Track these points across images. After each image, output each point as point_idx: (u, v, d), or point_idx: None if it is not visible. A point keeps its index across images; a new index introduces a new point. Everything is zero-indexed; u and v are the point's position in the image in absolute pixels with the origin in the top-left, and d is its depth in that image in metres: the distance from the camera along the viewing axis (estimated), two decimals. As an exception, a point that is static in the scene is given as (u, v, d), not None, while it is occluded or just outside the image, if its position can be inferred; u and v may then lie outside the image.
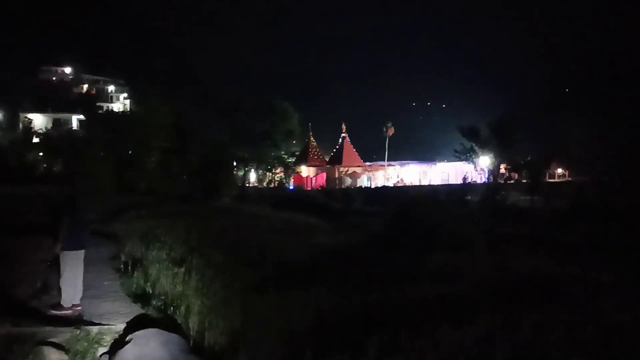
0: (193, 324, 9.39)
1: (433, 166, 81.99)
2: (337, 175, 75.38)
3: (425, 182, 74.01)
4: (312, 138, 79.05)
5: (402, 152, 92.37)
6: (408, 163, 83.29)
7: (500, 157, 58.17)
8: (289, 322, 7.51)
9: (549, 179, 67.29)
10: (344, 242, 16.12)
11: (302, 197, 46.94)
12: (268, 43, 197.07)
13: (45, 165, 50.71)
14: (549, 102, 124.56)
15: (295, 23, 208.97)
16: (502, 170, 59.01)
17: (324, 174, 76.12)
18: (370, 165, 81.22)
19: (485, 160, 60.11)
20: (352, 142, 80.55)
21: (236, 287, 9.50)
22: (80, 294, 10.68)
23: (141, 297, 11.65)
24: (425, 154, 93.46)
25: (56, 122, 65.96)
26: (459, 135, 61.50)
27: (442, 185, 64.96)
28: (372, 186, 70.55)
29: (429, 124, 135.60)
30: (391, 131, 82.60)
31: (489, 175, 59.32)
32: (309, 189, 68.78)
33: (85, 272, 11.08)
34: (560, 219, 32.23)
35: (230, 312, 8.88)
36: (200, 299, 9.74)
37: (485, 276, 10.79)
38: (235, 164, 55.80)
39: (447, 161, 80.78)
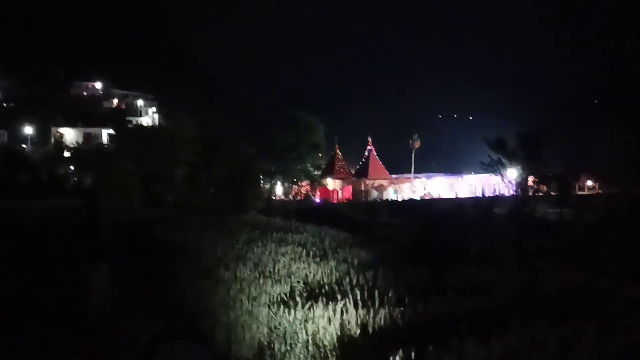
0: (220, 336, 9.46)
1: (460, 178, 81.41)
2: (363, 188, 75.28)
3: (452, 195, 73.44)
4: (338, 151, 79.15)
5: (429, 164, 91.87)
6: (434, 175, 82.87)
7: (528, 169, 57.50)
8: (315, 336, 7.54)
9: (578, 191, 66.25)
10: (372, 255, 16.04)
11: (329, 210, 46.88)
12: (295, 56, 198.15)
13: (75, 179, 51.62)
14: (578, 113, 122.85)
15: (322, 37, 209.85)
16: (530, 183, 58.27)
17: (350, 187, 76.07)
18: (396, 178, 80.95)
19: (512, 172, 59.47)
20: (378, 154, 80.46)
21: (263, 300, 9.55)
22: (107, 306, 10.84)
23: (169, 310, 11.76)
24: (452, 167, 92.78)
25: (87, 137, 67.25)
26: (486, 147, 61.03)
27: (469, 197, 64.38)
28: (399, 199, 70.25)
29: (456, 136, 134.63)
30: (418, 143, 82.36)
31: (516, 188, 58.62)
32: (335, 202, 68.79)
33: (113, 284, 11.26)
34: (591, 232, 31.64)
35: (256, 325, 8.94)
36: (226, 311, 9.82)
37: (513, 290, 10.67)
38: (261, 177, 56.13)
39: (474, 173, 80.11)
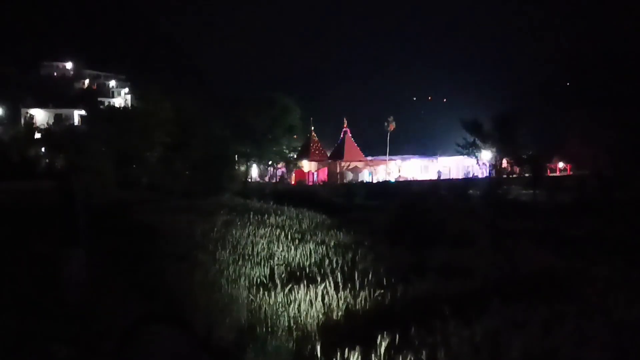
0: (199, 320, 9.40)
1: (434, 160, 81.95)
2: (338, 170, 75.37)
3: (426, 177, 74.00)
4: (313, 133, 78.98)
5: (403, 146, 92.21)
6: (409, 157, 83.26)
7: (502, 151, 58.10)
8: (296, 318, 7.53)
9: (550, 173, 67.21)
10: (350, 237, 16.09)
11: (305, 193, 46.86)
12: (269, 38, 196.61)
13: (47, 161, 50.68)
14: (550, 96, 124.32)
15: (296, 18, 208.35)
16: (504, 165, 58.94)
17: (326, 169, 76.12)
18: (371, 160, 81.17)
19: (487, 154, 60.06)
20: (353, 136, 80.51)
21: (242, 283, 9.51)
22: (84, 291, 10.66)
23: (147, 294, 11.64)
24: (427, 149, 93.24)
25: (58, 118, 65.92)
26: (460, 129, 61.46)
27: (443, 180, 64.87)
28: (374, 181, 70.53)
29: (430, 118, 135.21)
30: (392, 126, 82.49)
31: (490, 170, 59.29)
32: (310, 184, 68.79)
33: (89, 268, 11.06)
34: (563, 213, 32.20)
35: (236, 308, 8.89)
36: (206, 294, 9.75)
37: (491, 272, 10.80)
38: (237, 159, 55.77)
39: (448, 155, 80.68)
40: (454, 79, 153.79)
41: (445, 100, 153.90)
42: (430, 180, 63.92)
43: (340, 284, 8.51)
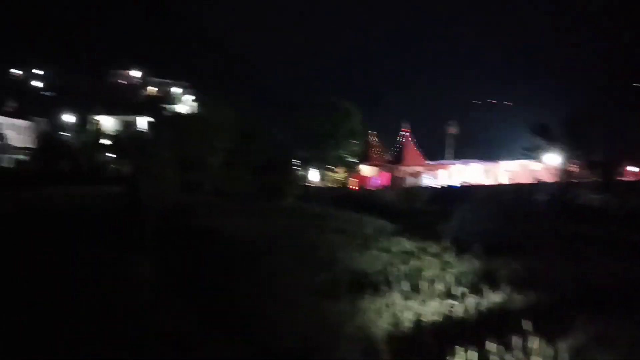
0: (261, 328, 9.26)
1: (497, 165, 79.86)
2: (399, 175, 74.52)
3: (490, 182, 72.22)
4: (373, 137, 78.45)
5: (465, 150, 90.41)
6: (471, 162, 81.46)
7: (571, 155, 55.92)
8: (363, 328, 7.27)
9: (621, 177, 64.28)
10: (413, 243, 15.70)
11: (365, 197, 46.50)
12: (331, 41, 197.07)
13: (114, 166, 52.26)
14: (622, 98, 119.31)
15: (358, 21, 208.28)
16: (573, 168, 56.71)
17: (386, 174, 75.39)
18: (432, 165, 79.90)
19: (554, 158, 57.97)
20: (413, 140, 79.48)
21: (305, 290, 9.32)
22: (149, 294, 10.74)
23: (210, 298, 11.63)
24: (489, 153, 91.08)
25: (124, 124, 67.99)
26: (524, 133, 59.62)
27: (509, 184, 63.12)
28: (435, 186, 69.40)
29: (493, 122, 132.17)
30: (454, 129, 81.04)
31: (558, 174, 57.18)
32: (370, 188, 68.29)
33: (154, 271, 11.16)
34: (636, 219, 30.59)
35: (299, 315, 8.70)
36: (268, 301, 9.61)
37: (565, 282, 10.24)
38: (297, 163, 55.97)
39: (512, 159, 78.51)
40: (518, 81, 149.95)
41: (509, 103, 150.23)
42: (494, 184, 62.33)
43: (407, 293, 8.22)
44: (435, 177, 76.92)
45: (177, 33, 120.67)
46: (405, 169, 75.28)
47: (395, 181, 72.15)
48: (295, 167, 53.36)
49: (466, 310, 7.30)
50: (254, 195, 34.11)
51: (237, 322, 9.82)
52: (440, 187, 65.92)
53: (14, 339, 7.90)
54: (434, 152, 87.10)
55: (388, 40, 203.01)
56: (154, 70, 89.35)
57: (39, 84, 77.31)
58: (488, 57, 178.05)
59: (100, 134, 59.59)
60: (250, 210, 24.52)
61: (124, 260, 11.27)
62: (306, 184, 60.44)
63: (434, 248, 14.48)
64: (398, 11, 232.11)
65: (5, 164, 46.62)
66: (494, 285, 9.09)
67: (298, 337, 8.11)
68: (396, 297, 7.86)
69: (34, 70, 78.15)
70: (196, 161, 44.65)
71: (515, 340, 5.58)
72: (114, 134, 59.27)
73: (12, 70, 75.01)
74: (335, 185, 65.52)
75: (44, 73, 78.69)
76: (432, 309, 7.35)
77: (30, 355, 7.61)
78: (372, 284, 9.26)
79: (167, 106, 74.89)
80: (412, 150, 78.28)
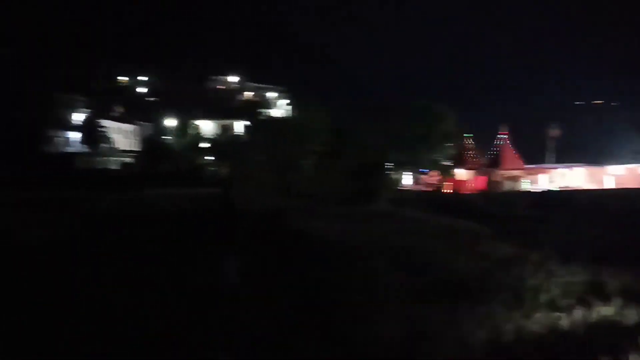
0: (356, 333, 9.15)
1: (602, 169, 75.56)
2: (496, 179, 72.23)
3: (594, 186, 68.47)
4: (469, 140, 76.53)
5: (568, 154, 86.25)
6: (574, 166, 77.58)
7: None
8: (462, 338, 6.98)
9: None
10: (512, 250, 15.05)
11: (460, 202, 45.42)
12: (421, 44, 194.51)
13: (212, 169, 54.03)
14: None
15: (449, 22, 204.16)
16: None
17: (482, 177, 73.28)
18: (532, 168, 76.81)
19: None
20: (512, 144, 76.79)
21: (401, 295, 9.13)
22: (242, 294, 10.89)
23: (304, 300, 11.66)
24: (594, 156, 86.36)
25: (222, 128, 70.19)
26: (635, 135, 56.09)
27: (615, 189, 59.58)
28: (535, 190, 66.63)
29: (597, 124, 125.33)
30: (555, 132, 77.52)
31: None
32: (466, 192, 66.62)
33: (248, 272, 11.30)
34: None
35: (395, 321, 8.51)
36: (365, 305, 9.48)
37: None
38: (390, 167, 55.51)
39: (618, 163, 74.01)
40: (625, 80, 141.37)
41: (614, 104, 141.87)
42: (599, 189, 59.00)
43: (508, 302, 7.83)
44: (535, 182, 73.95)
45: (272, 38, 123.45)
46: (502, 173, 72.87)
47: (492, 185, 70.02)
48: (388, 171, 52.97)
49: (573, 324, 6.83)
50: (347, 199, 34.12)
51: (331, 325, 9.77)
52: (540, 191, 63.28)
53: (129, 325, 8.23)
54: (534, 156, 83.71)
55: (485, 41, 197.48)
56: (250, 76, 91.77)
57: (143, 90, 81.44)
58: (593, 55, 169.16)
59: (199, 137, 61.86)
60: (345, 213, 24.49)
61: (217, 261, 11.52)
62: (400, 187, 59.88)
63: (535, 256, 13.77)
64: (495, 11, 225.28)
65: (112, 167, 49.39)
66: (604, 298, 8.48)
67: (394, 343, 7.94)
68: (496, 307, 7.50)
69: (138, 77, 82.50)
70: (290, 164, 45.33)
71: (633, 359, 5.13)
72: (213, 137, 61.35)
73: (118, 77, 79.47)
74: (429, 189, 64.50)
75: (148, 79, 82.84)
76: (536, 322, 6.93)
77: (141, 341, 7.91)
78: (469, 291, 8.91)
79: (263, 110, 76.63)
80: (510, 153, 75.63)
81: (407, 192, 55.97)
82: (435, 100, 64.63)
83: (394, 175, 59.49)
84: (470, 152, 76.11)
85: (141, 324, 8.48)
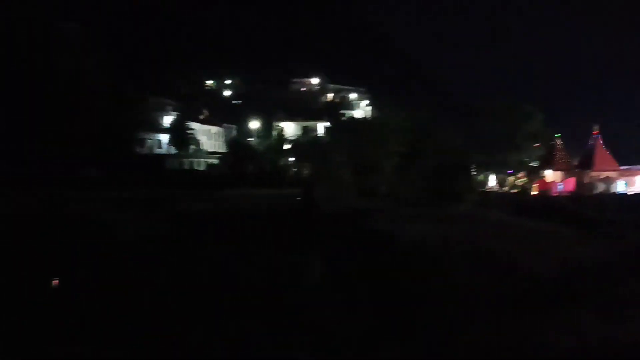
0: (435, 337, 8.92)
1: None
2: (587, 181, 68.86)
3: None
4: (558, 140, 73.38)
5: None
6: (675, 167, 72.78)
7: None
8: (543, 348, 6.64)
9: None
10: (597, 256, 14.24)
11: (548, 204, 43.55)
12: (504, 42, 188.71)
13: (294, 170, 54.58)
14: None
15: (539, 22, 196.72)
16: None
17: (572, 179, 70.08)
18: (627, 170, 72.66)
19: None
20: (605, 144, 73.00)
21: (484, 300, 8.81)
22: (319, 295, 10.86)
23: (389, 299, 11.48)
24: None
25: (304, 130, 70.85)
26: None
27: None
28: (630, 193, 63.02)
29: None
30: (655, 131, 72.96)
31: None
32: (555, 195, 63.95)
33: (327, 272, 11.25)
34: None
35: (478, 327, 8.23)
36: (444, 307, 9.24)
37: None
38: (474, 168, 54.07)
39: None
40: None
41: None
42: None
43: (597, 310, 7.37)
44: (631, 183, 69.95)
45: (355, 40, 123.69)
46: (594, 174, 69.41)
47: (583, 187, 66.84)
48: (473, 172, 51.59)
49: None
50: (428, 200, 33.48)
51: (412, 327, 9.56)
52: (636, 194, 59.75)
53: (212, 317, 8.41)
54: (630, 157, 79.25)
55: (574, 40, 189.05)
56: (331, 78, 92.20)
57: (228, 93, 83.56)
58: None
59: (282, 139, 62.70)
60: (427, 215, 24.01)
61: (301, 261, 11.55)
62: (485, 189, 58.24)
63: (631, 262, 12.94)
64: (585, 9, 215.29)
65: (200, 167, 50.93)
66: None
67: (476, 350, 7.67)
68: (583, 314, 7.07)
69: (224, 81, 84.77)
70: (371, 165, 45.05)
71: None
72: (295, 138, 62.01)
73: (205, 81, 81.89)
74: (515, 190, 62.42)
75: (233, 82, 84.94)
76: (629, 334, 6.47)
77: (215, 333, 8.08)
78: (554, 296, 8.47)
79: (344, 111, 76.77)
80: (603, 154, 71.85)
81: (492, 194, 54.38)
82: (523, 99, 62.41)
83: (479, 177, 57.98)
84: (560, 152, 73.02)
85: (230, 317, 8.65)
